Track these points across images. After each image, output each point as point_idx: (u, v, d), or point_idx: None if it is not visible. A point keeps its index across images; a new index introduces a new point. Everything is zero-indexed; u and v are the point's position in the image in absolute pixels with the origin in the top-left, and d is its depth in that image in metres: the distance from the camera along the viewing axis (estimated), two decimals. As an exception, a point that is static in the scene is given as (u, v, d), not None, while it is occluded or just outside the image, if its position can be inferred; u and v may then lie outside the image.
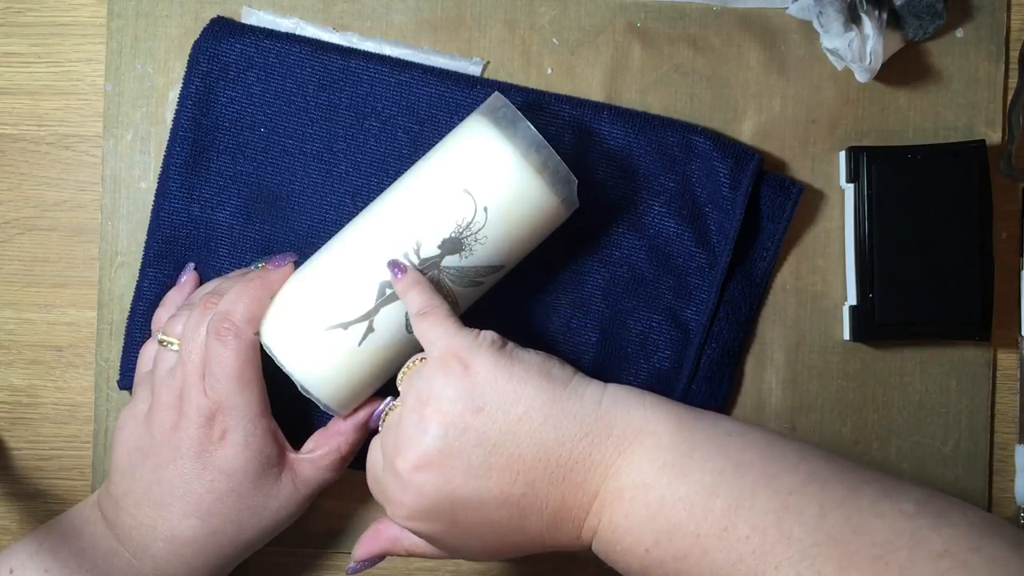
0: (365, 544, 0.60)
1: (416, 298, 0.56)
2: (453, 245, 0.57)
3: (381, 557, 0.60)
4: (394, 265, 0.57)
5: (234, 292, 0.59)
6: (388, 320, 0.58)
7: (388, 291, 0.58)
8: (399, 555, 0.59)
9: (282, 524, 0.61)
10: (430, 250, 0.57)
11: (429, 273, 0.57)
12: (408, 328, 0.58)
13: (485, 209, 0.57)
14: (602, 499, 0.53)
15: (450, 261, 0.57)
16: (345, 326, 0.58)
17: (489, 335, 0.55)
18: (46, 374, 0.68)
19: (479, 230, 0.57)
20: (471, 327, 0.56)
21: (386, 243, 0.58)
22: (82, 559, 0.59)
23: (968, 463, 0.67)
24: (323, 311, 0.58)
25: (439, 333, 0.55)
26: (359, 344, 0.58)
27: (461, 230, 0.57)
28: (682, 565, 0.51)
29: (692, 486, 0.51)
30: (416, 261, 0.57)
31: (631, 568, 0.53)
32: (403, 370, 0.57)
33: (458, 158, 0.58)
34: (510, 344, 0.56)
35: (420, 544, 0.58)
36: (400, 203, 0.59)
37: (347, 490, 0.67)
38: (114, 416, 0.67)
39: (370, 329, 0.58)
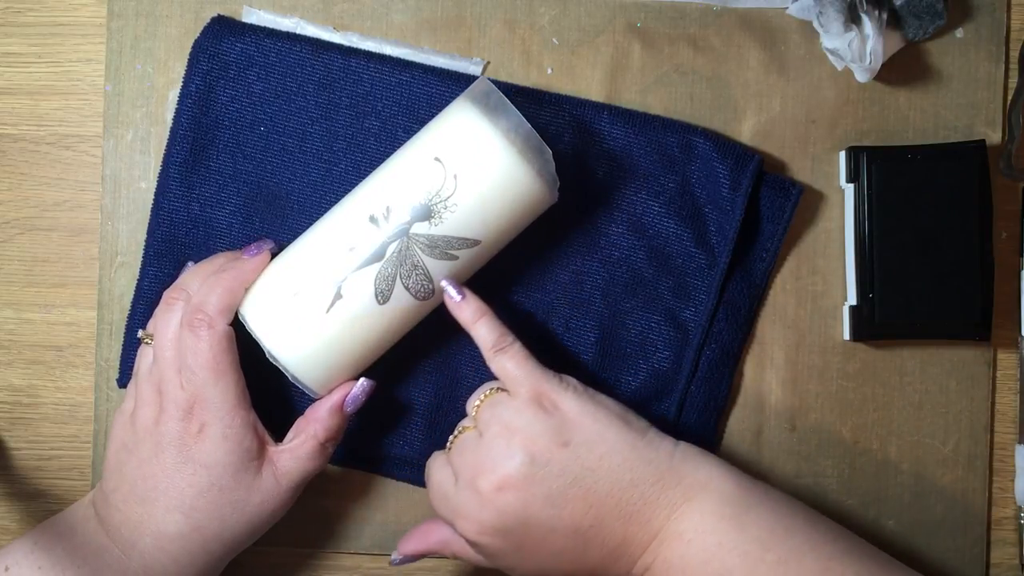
0: (414, 540, 0.62)
1: (486, 333, 0.59)
2: (423, 212, 0.57)
3: (426, 555, 0.62)
4: (450, 284, 0.59)
5: (208, 283, 0.60)
6: (356, 287, 0.58)
7: (357, 259, 0.58)
8: (444, 556, 0.63)
9: (267, 520, 0.61)
10: (400, 216, 0.58)
11: (398, 240, 0.57)
12: (379, 299, 0.58)
13: (455, 176, 0.57)
14: (661, 538, 0.57)
15: (420, 228, 0.58)
16: (312, 291, 0.58)
17: (572, 380, 0.59)
18: (46, 374, 0.68)
19: (449, 197, 0.57)
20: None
21: (356, 211, 0.59)
22: (75, 556, 0.59)
23: (968, 463, 0.67)
24: (292, 277, 0.59)
25: (524, 373, 0.58)
26: (327, 311, 0.58)
27: (431, 197, 0.57)
28: None
29: (748, 537, 0.56)
30: (387, 227, 0.58)
31: None
32: (480, 397, 0.59)
33: (432, 130, 0.59)
34: (591, 389, 0.59)
35: (470, 552, 0.60)
36: (375, 176, 0.60)
37: (347, 490, 0.67)
38: (114, 416, 0.67)
39: (338, 296, 0.58)
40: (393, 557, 0.63)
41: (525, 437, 0.57)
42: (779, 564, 0.55)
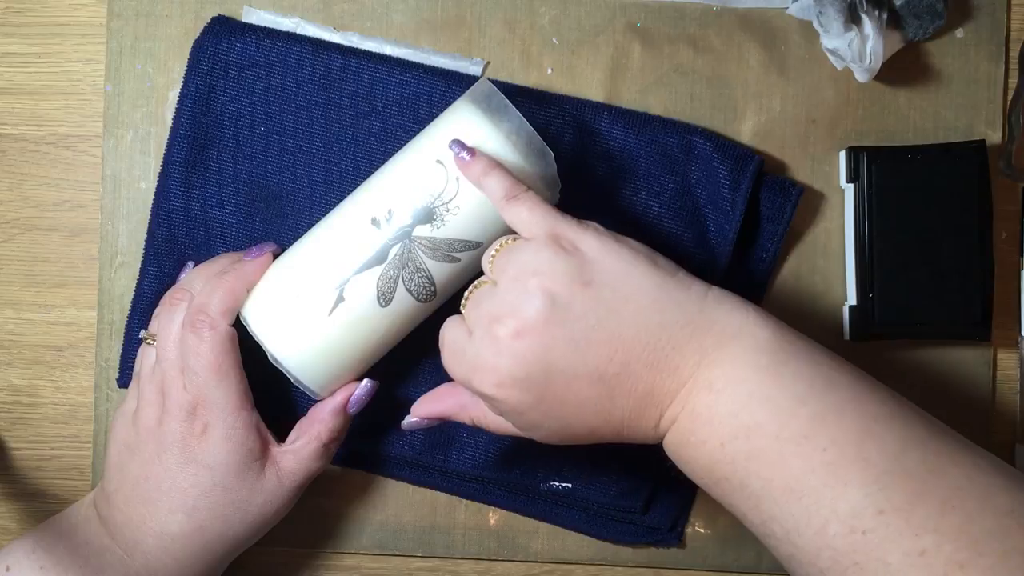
0: (429, 402, 0.59)
1: (496, 184, 0.55)
2: (425, 215, 0.57)
3: (441, 419, 0.59)
4: (457, 144, 0.56)
5: (209, 285, 0.60)
6: (358, 289, 0.58)
7: (359, 262, 0.58)
8: (462, 421, 0.59)
9: (270, 520, 0.61)
10: (402, 219, 0.57)
11: (400, 242, 0.57)
12: (381, 302, 0.58)
13: (457, 179, 0.57)
14: (690, 387, 0.52)
15: (422, 231, 0.57)
16: (314, 293, 0.58)
17: (592, 223, 0.55)
18: (46, 374, 0.68)
19: (451, 199, 0.57)
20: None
21: (358, 213, 0.59)
22: (76, 556, 0.59)
23: (968, 463, 0.66)
24: (293, 279, 0.59)
25: (539, 215, 0.54)
26: (329, 313, 0.58)
27: (433, 199, 0.57)
28: (753, 464, 0.51)
29: (783, 391, 0.51)
30: (389, 229, 0.58)
31: (698, 462, 0.53)
32: (494, 249, 0.56)
33: (433, 132, 0.59)
34: (615, 232, 0.55)
35: (489, 416, 0.57)
36: (376, 179, 0.60)
37: (347, 490, 0.67)
38: (114, 416, 0.67)
39: (340, 298, 0.58)
40: (407, 419, 0.60)
41: (544, 278, 0.52)
42: (814, 419, 0.50)
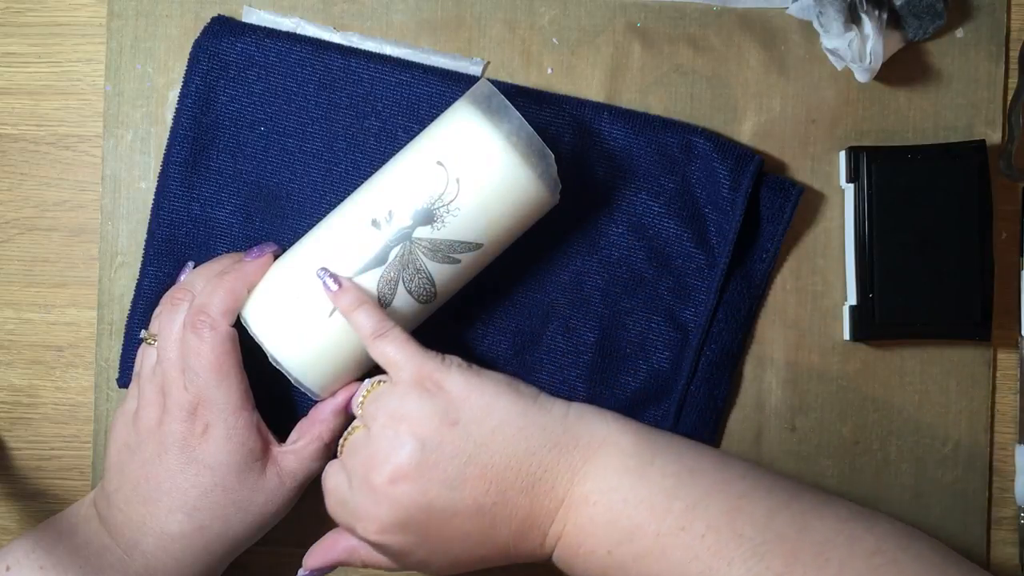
0: (319, 553, 0.61)
1: (365, 320, 0.57)
2: (425, 216, 0.57)
3: (333, 567, 0.61)
4: (325, 273, 0.57)
5: (210, 285, 0.60)
6: None
7: (360, 263, 0.58)
8: (353, 565, 0.61)
9: (270, 520, 0.61)
10: (402, 220, 0.58)
11: (401, 244, 0.58)
12: (382, 303, 0.58)
13: (457, 180, 0.57)
14: (568, 504, 0.55)
15: (422, 232, 0.58)
16: (315, 294, 0.58)
17: (455, 358, 0.58)
18: (46, 374, 0.68)
19: (451, 201, 0.57)
20: (430, 347, 0.58)
21: (358, 214, 0.59)
22: (76, 556, 0.59)
23: (968, 463, 0.67)
24: (294, 280, 0.59)
25: (405, 356, 0.57)
26: (329, 314, 0.58)
27: (433, 201, 0.57)
28: (642, 565, 0.53)
29: (653, 488, 0.54)
30: (389, 231, 0.58)
31: (592, 572, 0.55)
32: (363, 393, 0.58)
33: (433, 134, 0.59)
34: (475, 366, 0.58)
35: (379, 557, 0.59)
36: (376, 180, 0.60)
37: (347, 490, 0.67)
38: (114, 416, 0.67)
39: None
40: (300, 573, 0.61)
41: (412, 423, 0.55)
42: (687, 511, 0.53)
